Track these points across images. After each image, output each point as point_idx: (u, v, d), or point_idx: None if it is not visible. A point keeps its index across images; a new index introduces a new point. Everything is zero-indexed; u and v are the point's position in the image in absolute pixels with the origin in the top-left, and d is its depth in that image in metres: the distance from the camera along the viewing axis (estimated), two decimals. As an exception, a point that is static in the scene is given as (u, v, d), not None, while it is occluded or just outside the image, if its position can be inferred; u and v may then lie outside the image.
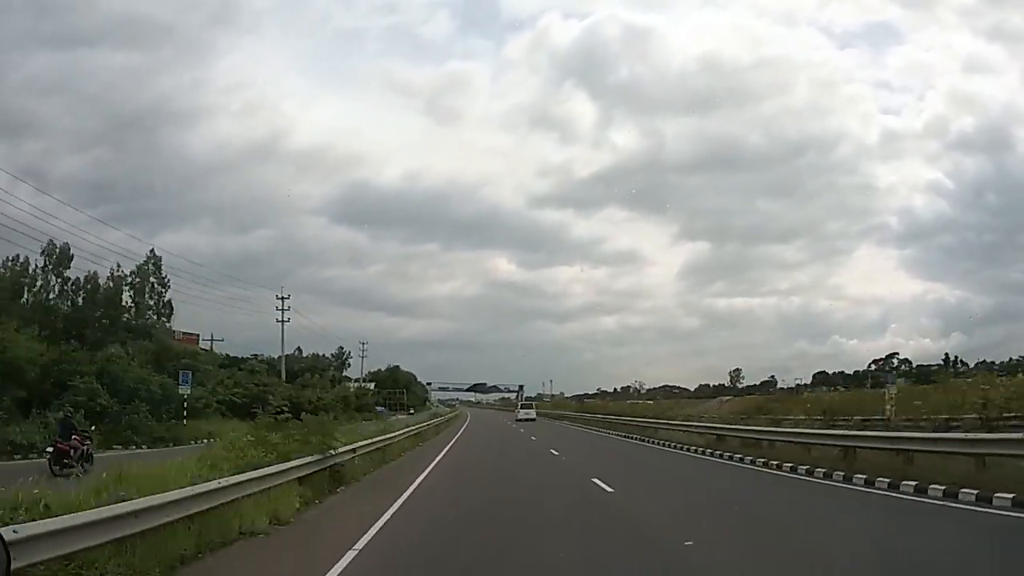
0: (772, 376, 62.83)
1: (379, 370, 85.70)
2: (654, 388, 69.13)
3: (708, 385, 75.46)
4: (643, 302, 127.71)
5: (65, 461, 12.99)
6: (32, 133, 73.34)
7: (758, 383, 67.63)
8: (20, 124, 62.80)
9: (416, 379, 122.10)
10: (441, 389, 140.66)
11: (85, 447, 14.43)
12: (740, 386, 70.61)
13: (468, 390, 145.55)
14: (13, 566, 3.69)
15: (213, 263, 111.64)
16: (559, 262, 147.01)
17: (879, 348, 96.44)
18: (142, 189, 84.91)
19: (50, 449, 13.91)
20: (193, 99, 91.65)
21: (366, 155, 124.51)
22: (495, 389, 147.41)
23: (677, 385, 76.45)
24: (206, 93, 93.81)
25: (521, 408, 59.23)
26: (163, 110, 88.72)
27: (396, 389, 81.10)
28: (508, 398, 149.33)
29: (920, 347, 75.20)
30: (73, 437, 14.36)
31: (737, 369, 73.51)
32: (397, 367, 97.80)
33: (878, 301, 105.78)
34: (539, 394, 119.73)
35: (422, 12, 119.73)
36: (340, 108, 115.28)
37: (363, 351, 76.39)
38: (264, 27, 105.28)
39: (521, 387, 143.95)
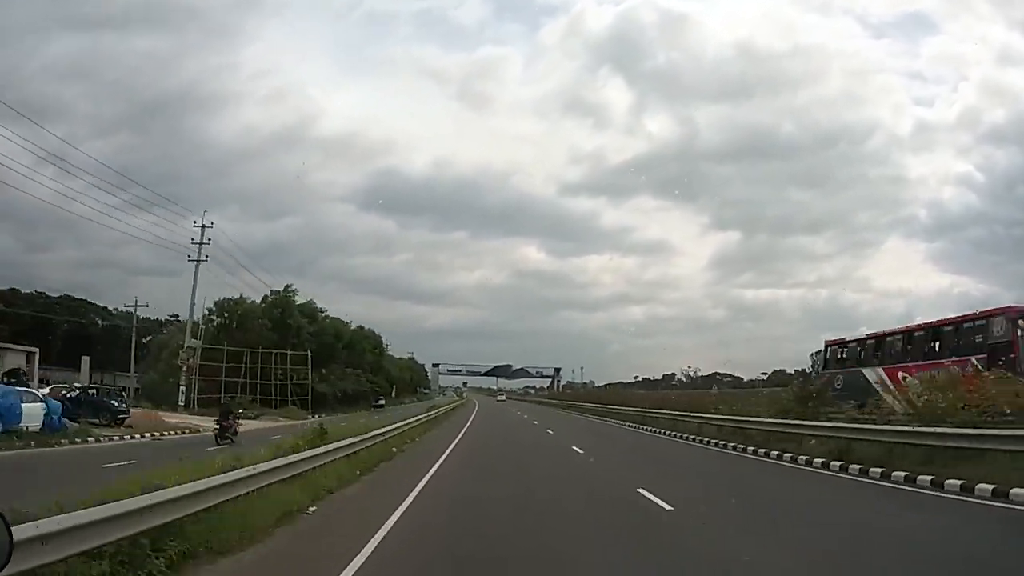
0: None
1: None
2: (704, 376, 69.83)
3: (765, 374, 73.45)
4: (671, 293, 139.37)
5: (225, 435, 21.16)
6: (55, 117, 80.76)
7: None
8: (43, 108, 69.63)
9: (415, 361, 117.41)
10: (452, 372, 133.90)
11: (236, 425, 22.26)
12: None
13: (487, 374, 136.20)
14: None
15: (240, 250, 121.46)
16: (589, 251, 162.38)
17: None
18: (167, 175, 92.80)
19: (216, 427, 21.93)
20: (219, 85, 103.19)
21: (395, 142, 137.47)
22: (522, 373, 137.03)
23: (728, 373, 76.23)
24: (233, 79, 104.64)
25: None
26: (189, 96, 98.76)
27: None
28: (539, 387, 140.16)
29: (821, 359, 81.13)
30: (230, 418, 22.13)
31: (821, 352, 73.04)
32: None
33: (904, 294, 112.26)
34: (569, 382, 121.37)
35: None
36: (369, 94, 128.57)
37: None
38: (292, 11, 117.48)
39: (558, 371, 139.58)
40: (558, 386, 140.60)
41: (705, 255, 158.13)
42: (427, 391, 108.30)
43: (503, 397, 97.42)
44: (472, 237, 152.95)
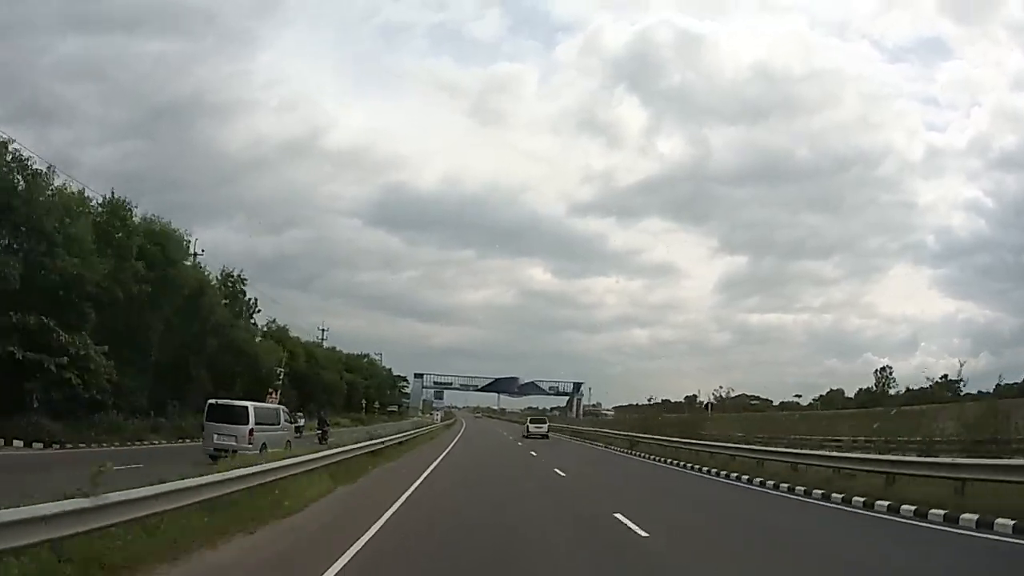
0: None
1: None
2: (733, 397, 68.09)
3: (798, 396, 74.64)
4: (676, 316, 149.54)
5: (324, 438, 32.37)
6: (62, 121, 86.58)
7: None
8: (50, 111, 75.17)
9: (384, 369, 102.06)
10: (440, 386, 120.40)
11: (327, 430, 35.70)
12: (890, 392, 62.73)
13: (486, 389, 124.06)
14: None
15: (245, 262, 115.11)
16: (595, 273, 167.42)
17: (909, 367, 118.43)
18: (173, 182, 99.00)
19: (319, 431, 34.98)
20: (230, 92, 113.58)
21: (405, 157, 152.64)
22: (531, 389, 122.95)
23: (756, 395, 76.65)
24: (244, 87, 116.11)
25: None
26: (199, 102, 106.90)
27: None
28: (549, 408, 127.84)
29: (950, 366, 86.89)
30: (325, 425, 36.56)
31: (885, 368, 63.16)
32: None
33: (909, 320, 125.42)
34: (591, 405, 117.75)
35: (472, 10, 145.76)
36: (381, 107, 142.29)
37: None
38: (307, 20, 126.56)
39: (578, 387, 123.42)
40: (578, 408, 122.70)
41: (712, 278, 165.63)
42: (394, 409, 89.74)
43: (543, 428, 59.59)
44: (479, 256, 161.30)
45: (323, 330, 77.39)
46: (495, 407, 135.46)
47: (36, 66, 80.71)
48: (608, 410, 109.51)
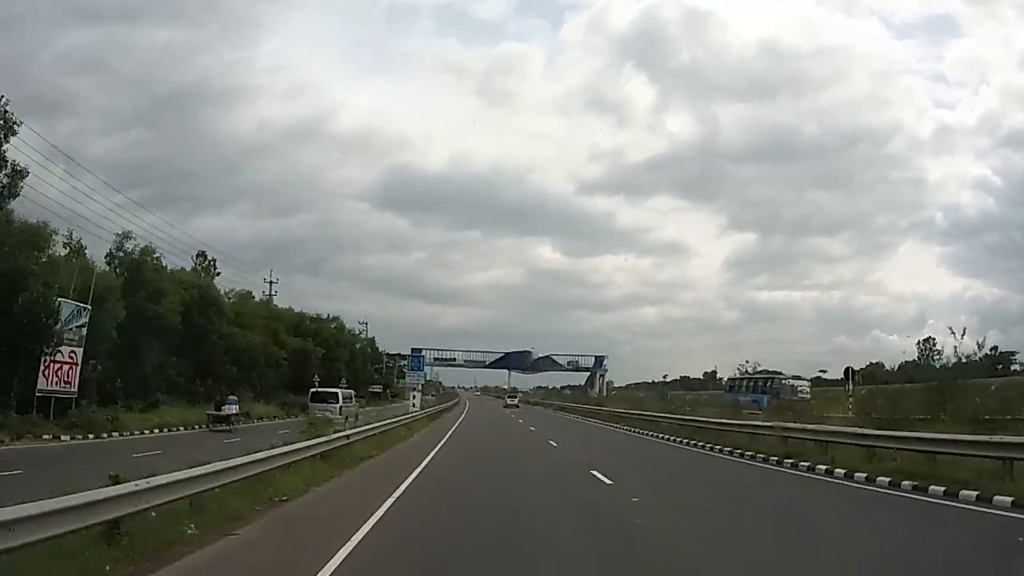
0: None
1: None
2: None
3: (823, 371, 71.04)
4: (685, 294, 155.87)
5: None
6: (65, 112, 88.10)
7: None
8: (54, 102, 76.24)
9: (365, 340, 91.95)
10: (441, 363, 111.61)
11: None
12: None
13: (495, 365, 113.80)
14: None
15: (253, 248, 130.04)
16: (604, 251, 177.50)
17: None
18: (179, 171, 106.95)
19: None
20: (235, 79, 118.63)
21: (412, 139, 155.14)
22: (547, 364, 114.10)
23: (778, 370, 72.26)
24: (249, 73, 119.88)
25: None
26: (204, 90, 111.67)
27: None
28: (561, 387, 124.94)
29: (927, 348, 77.62)
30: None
31: (930, 339, 54.31)
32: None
33: (917, 297, 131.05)
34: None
35: None
36: (387, 90, 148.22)
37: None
38: (312, 4, 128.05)
39: (600, 361, 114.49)
40: (602, 385, 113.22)
41: (721, 256, 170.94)
42: (378, 390, 79.18)
43: (515, 401, 67.27)
44: (486, 236, 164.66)
45: (271, 282, 67.93)
46: (505, 386, 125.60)
47: (39, 58, 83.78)
48: (614, 388, 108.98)
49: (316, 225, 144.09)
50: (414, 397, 54.27)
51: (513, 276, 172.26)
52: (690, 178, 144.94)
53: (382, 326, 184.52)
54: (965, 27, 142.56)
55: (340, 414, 34.43)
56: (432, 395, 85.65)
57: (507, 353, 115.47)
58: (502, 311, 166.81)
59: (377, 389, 78.45)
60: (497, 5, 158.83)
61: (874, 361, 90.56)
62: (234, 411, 35.60)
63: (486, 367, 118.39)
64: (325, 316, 76.06)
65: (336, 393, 40.37)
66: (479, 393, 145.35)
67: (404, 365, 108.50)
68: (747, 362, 55.31)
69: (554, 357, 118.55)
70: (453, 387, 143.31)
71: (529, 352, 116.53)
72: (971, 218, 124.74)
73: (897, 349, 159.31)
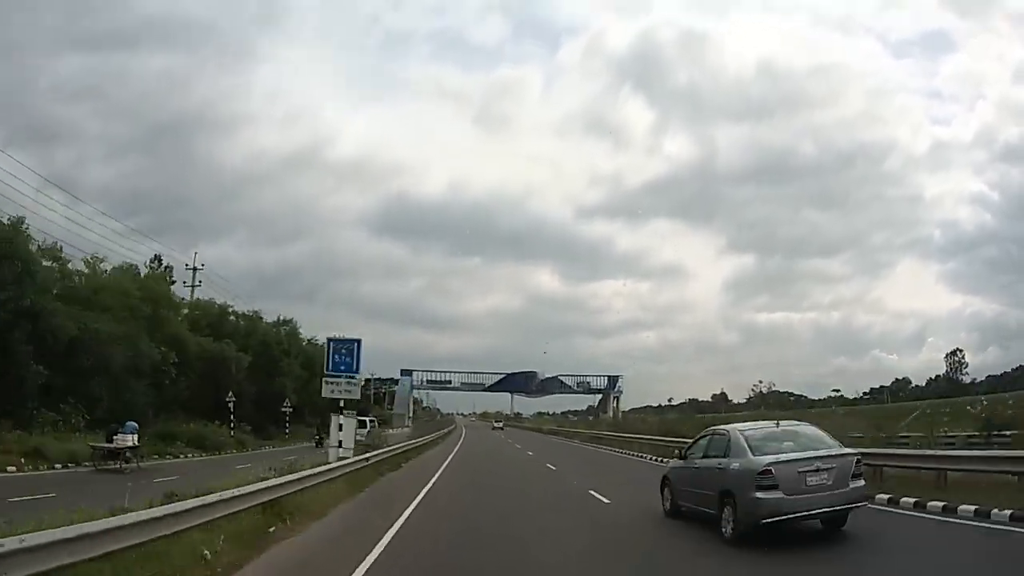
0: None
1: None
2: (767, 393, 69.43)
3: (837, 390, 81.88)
4: (684, 317, 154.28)
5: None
6: (63, 141, 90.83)
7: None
8: (51, 131, 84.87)
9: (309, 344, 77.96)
10: (435, 386, 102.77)
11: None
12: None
13: (495, 388, 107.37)
14: None
15: (249, 277, 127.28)
16: (603, 276, 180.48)
17: (918, 363, 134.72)
18: (176, 199, 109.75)
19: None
20: (231, 106, 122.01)
21: (409, 165, 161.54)
22: (554, 386, 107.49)
23: (788, 391, 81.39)
24: (245, 100, 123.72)
25: None
26: (200, 117, 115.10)
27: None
28: (572, 418, 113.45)
29: (955, 362, 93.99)
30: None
31: (957, 352, 64.97)
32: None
33: (917, 315, 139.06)
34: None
35: (473, 15, 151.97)
36: (384, 116, 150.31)
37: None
38: (308, 30, 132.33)
39: (614, 382, 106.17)
40: (616, 408, 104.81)
41: (720, 278, 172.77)
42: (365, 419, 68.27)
43: (500, 424, 66.75)
44: (486, 262, 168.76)
45: (195, 268, 53.08)
46: (508, 412, 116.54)
47: (35, 86, 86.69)
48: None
49: (312, 253, 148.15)
50: (393, 429, 45.26)
51: (512, 303, 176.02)
52: (688, 200, 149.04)
53: (380, 354, 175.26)
54: (960, 42, 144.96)
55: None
56: (406, 425, 73.65)
57: (509, 374, 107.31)
58: (500, 338, 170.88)
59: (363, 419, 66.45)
60: (494, 30, 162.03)
61: (900, 377, 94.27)
62: (129, 443, 26.46)
63: (485, 390, 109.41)
64: (275, 320, 60.76)
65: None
66: (475, 419, 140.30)
67: (391, 388, 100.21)
68: (760, 382, 51.30)
69: (562, 378, 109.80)
70: (451, 413, 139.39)
71: (534, 373, 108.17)
72: (969, 234, 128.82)
73: (897, 368, 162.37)
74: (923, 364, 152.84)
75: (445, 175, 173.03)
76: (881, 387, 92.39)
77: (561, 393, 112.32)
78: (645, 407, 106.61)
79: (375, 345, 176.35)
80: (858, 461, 10.34)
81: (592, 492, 17.62)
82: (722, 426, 12.57)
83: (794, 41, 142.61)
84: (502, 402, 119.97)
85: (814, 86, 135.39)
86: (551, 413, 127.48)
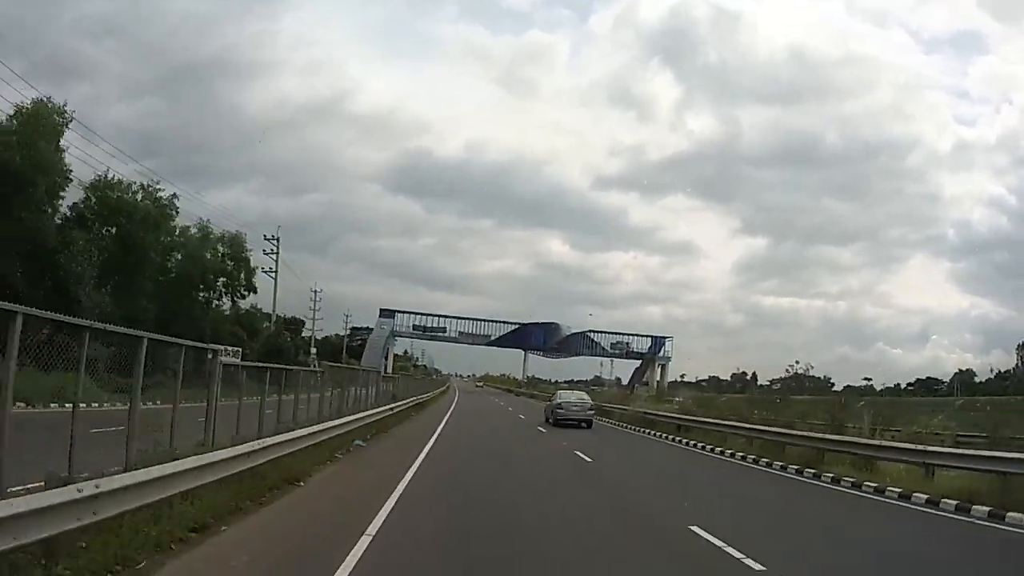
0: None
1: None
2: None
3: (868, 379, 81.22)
4: (691, 295, 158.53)
5: None
6: (81, 77, 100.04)
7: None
8: (70, 67, 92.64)
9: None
10: (424, 334, 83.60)
11: None
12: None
13: (503, 342, 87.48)
14: None
15: (261, 225, 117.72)
16: (614, 247, 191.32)
17: (921, 359, 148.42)
18: (193, 144, 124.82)
19: None
20: (256, 52, 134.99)
21: (431, 123, 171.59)
22: (581, 344, 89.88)
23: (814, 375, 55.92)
24: (270, 47, 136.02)
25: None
26: (222, 62, 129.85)
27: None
28: (587, 387, 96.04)
29: (962, 361, 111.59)
30: None
31: None
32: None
33: (923, 312, 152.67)
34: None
35: None
36: (409, 73, 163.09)
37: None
38: None
39: (660, 344, 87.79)
40: (660, 378, 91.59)
41: (731, 259, 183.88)
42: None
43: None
44: (498, 226, 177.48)
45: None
46: (519, 375, 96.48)
47: (58, 20, 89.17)
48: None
49: (327, 205, 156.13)
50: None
51: (521, 268, 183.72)
52: (707, 179, 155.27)
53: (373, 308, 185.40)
54: (992, 44, 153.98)
55: None
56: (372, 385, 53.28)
57: (525, 325, 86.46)
58: (507, 302, 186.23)
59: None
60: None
61: (963, 368, 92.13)
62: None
63: (490, 344, 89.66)
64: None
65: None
66: (480, 385, 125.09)
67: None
68: (796, 363, 41.48)
69: (592, 335, 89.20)
70: (450, 374, 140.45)
71: (555, 326, 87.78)
72: (983, 235, 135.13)
73: (901, 363, 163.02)
74: (927, 361, 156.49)
75: (465, 136, 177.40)
76: (928, 378, 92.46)
77: (591, 354, 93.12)
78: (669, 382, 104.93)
79: (382, 300, 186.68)
80: (591, 407, 36.08)
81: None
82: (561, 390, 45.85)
83: (827, 28, 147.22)
84: (511, 361, 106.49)
85: (844, 75, 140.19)
86: (577, 381, 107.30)
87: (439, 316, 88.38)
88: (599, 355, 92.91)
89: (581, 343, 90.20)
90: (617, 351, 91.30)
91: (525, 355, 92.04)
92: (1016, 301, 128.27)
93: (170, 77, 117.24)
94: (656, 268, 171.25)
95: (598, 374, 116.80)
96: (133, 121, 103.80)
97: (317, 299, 71.26)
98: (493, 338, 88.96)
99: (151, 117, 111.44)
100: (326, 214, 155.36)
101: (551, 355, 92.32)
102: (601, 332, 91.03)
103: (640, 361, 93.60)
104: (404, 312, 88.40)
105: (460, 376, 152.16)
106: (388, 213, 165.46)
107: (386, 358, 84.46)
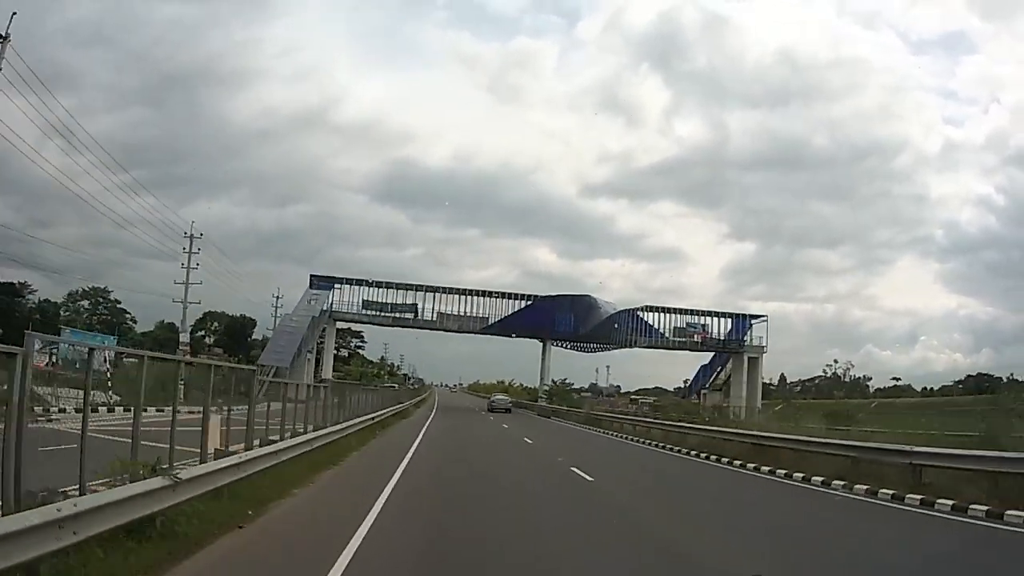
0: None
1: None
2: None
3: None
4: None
5: None
6: (65, 87, 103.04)
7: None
8: (54, 76, 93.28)
9: None
10: (376, 315, 63.63)
11: None
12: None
13: (503, 328, 64.06)
14: None
15: (247, 236, 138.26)
16: (602, 255, 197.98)
17: (910, 360, 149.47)
18: (178, 154, 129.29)
19: None
20: (242, 60, 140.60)
21: (418, 132, 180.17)
22: (633, 327, 66.27)
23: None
24: (256, 55, 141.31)
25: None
26: (208, 71, 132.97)
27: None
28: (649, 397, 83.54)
29: (950, 361, 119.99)
30: None
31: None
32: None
33: (911, 313, 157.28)
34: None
35: None
36: (396, 80, 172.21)
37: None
38: None
39: (744, 323, 69.69)
40: (748, 380, 67.50)
41: (718, 265, 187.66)
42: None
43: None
44: (485, 235, 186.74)
45: None
46: (537, 384, 72.53)
47: (42, 28, 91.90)
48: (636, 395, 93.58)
49: (313, 216, 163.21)
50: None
51: (508, 276, 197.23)
52: (696, 184, 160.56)
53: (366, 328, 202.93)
54: (980, 44, 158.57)
55: None
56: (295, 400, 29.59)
57: (542, 300, 59.98)
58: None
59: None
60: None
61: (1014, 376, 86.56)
62: None
63: (486, 332, 64.66)
64: None
65: None
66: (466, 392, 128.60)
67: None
68: (835, 362, 48.50)
69: (644, 315, 62.48)
70: (433, 384, 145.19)
71: (590, 301, 61.48)
72: (971, 236, 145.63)
73: (890, 364, 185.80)
74: (915, 362, 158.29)
75: (453, 144, 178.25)
76: (980, 374, 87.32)
77: (647, 345, 66.55)
78: (655, 388, 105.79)
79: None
80: (511, 402, 71.10)
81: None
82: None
83: (816, 31, 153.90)
84: (524, 357, 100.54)
85: (832, 78, 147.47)
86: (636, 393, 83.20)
87: (406, 287, 62.15)
88: (659, 346, 67.65)
89: (630, 327, 64.88)
90: (683, 338, 65.12)
91: (545, 347, 66.93)
92: (1004, 300, 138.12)
93: (157, 86, 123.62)
94: (643, 275, 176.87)
95: (594, 381, 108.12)
96: (120, 131, 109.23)
97: (279, 304, 67.44)
98: (492, 322, 62.93)
99: (135, 127, 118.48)
100: (312, 224, 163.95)
101: (584, 347, 67.48)
102: (658, 310, 65.17)
103: (712, 354, 67.41)
104: (350, 282, 63.48)
105: (447, 387, 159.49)
106: (374, 223, 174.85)
107: (314, 353, 58.82)
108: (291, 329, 57.32)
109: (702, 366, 74.33)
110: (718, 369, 73.34)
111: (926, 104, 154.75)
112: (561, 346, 68.82)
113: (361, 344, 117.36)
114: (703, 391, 73.72)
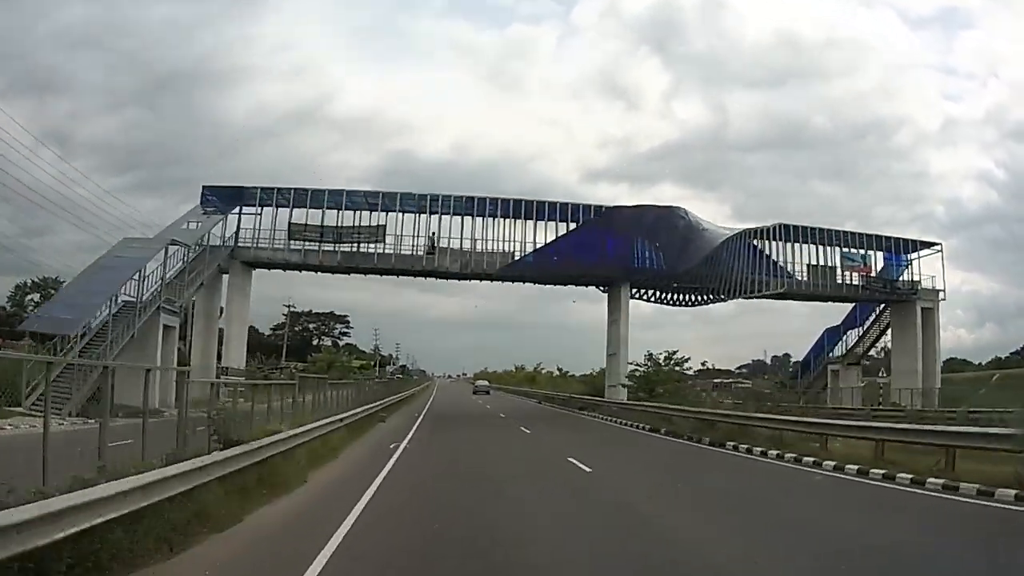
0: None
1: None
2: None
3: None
4: None
5: None
6: (59, 92, 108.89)
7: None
8: (47, 81, 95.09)
9: None
10: (321, 234, 54.83)
11: None
12: None
13: (535, 271, 44.69)
14: None
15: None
16: None
17: None
18: (174, 155, 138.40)
19: None
20: (236, 58, 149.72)
21: (416, 123, 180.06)
22: (725, 267, 45.42)
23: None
24: (250, 53, 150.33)
25: None
26: (203, 70, 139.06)
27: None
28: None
29: (955, 336, 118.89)
30: None
31: None
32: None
33: None
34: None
35: None
36: (393, 71, 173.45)
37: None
38: None
39: (899, 260, 55.42)
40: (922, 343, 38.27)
41: None
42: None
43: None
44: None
45: None
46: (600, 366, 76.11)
47: (34, 34, 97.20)
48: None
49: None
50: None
51: None
52: (697, 166, 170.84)
53: (375, 319, 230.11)
54: (977, 18, 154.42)
55: None
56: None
57: (608, 210, 45.27)
58: (494, 302, 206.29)
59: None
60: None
61: None
62: None
63: (513, 278, 46.62)
64: None
65: None
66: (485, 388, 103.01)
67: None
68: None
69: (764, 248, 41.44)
70: (434, 375, 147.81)
71: (678, 215, 41.08)
72: (973, 211, 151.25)
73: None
74: None
75: (451, 134, 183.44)
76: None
77: (776, 292, 44.96)
78: (754, 363, 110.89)
79: (371, 307, 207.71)
80: (488, 385, 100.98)
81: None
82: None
83: (815, 10, 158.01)
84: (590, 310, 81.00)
85: (832, 56, 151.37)
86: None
87: (367, 193, 42.24)
88: (794, 293, 44.21)
89: (748, 264, 42.21)
90: (825, 281, 42.62)
91: (620, 296, 42.55)
92: (1008, 275, 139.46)
93: (152, 88, 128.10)
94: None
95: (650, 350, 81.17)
96: (115, 135, 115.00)
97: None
98: (523, 256, 40.86)
99: (132, 130, 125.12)
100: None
101: (682, 299, 44.51)
102: (777, 236, 42.98)
103: (853, 305, 45.43)
104: (268, 190, 43.09)
105: (449, 377, 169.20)
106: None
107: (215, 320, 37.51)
108: (119, 264, 31.35)
109: (827, 330, 52.36)
110: (858, 330, 50.98)
111: (925, 81, 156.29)
112: (644, 299, 45.56)
113: (347, 330, 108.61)
114: (831, 367, 52.24)
